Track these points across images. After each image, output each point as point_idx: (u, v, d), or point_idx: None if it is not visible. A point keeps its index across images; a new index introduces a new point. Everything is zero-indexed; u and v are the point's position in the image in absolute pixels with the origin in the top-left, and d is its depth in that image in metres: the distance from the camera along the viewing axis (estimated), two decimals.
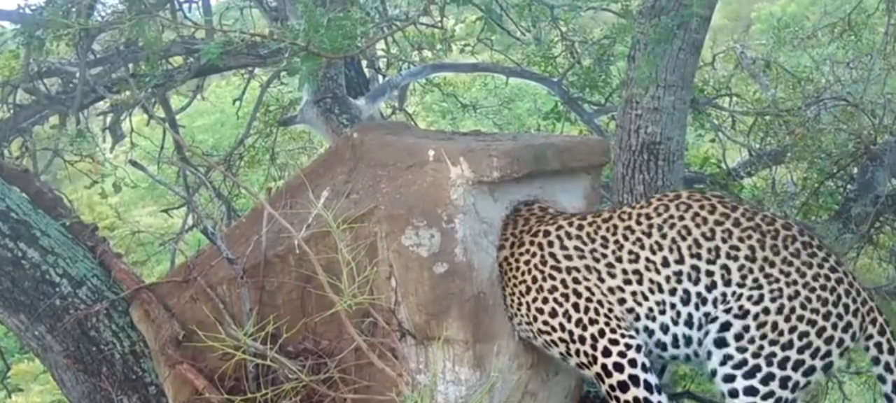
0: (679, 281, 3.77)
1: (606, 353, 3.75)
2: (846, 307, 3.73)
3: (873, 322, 3.77)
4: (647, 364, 3.76)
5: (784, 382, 3.68)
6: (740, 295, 3.72)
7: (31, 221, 4.55)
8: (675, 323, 3.79)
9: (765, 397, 3.67)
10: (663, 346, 3.82)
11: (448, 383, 3.91)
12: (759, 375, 3.67)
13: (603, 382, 3.78)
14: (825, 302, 3.70)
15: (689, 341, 3.80)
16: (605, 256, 3.85)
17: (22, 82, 6.62)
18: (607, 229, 3.89)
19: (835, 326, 3.70)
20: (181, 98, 8.59)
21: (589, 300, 3.80)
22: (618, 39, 6.87)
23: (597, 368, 3.77)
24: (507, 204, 4.02)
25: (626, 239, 3.85)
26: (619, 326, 3.77)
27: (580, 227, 3.91)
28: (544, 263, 3.87)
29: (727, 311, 3.73)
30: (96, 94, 6.83)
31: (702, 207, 3.83)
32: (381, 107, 7.80)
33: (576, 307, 3.80)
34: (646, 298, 3.80)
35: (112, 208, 10.60)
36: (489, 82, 10.14)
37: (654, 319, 3.79)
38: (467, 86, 10.34)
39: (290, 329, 4.06)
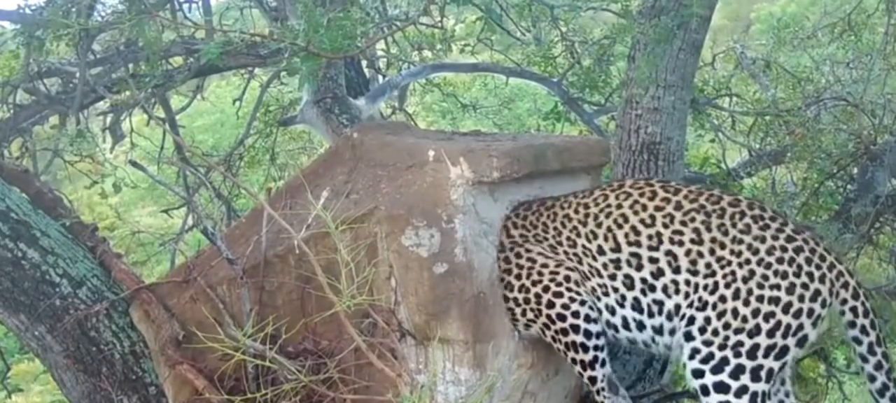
0: (618, 267, 3.80)
1: (550, 305, 3.84)
2: (810, 275, 3.62)
3: (845, 286, 3.67)
4: (593, 316, 3.82)
5: (756, 373, 3.58)
6: (697, 286, 3.68)
7: (31, 221, 4.55)
8: (621, 305, 3.81)
9: (738, 393, 3.58)
10: (615, 327, 3.86)
11: (448, 383, 3.91)
12: (728, 368, 3.59)
13: (547, 331, 3.86)
14: (785, 275, 3.60)
15: (641, 326, 3.81)
16: (546, 239, 3.94)
17: (22, 82, 6.61)
18: (548, 216, 3.97)
19: (802, 298, 3.59)
20: (181, 98, 8.58)
21: (531, 266, 3.89)
22: (618, 39, 6.85)
23: (543, 319, 3.86)
24: (507, 204, 4.03)
25: (564, 226, 3.92)
26: (563, 284, 3.84)
27: (524, 217, 4.00)
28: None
29: (690, 305, 3.69)
30: (96, 94, 6.82)
31: (642, 194, 3.83)
32: (381, 107, 7.79)
33: (518, 276, 3.91)
34: (587, 278, 3.85)
35: (112, 208, 10.57)
36: (489, 82, 10.12)
37: (599, 299, 3.84)
38: (467, 86, 10.32)
39: (289, 329, 4.06)
